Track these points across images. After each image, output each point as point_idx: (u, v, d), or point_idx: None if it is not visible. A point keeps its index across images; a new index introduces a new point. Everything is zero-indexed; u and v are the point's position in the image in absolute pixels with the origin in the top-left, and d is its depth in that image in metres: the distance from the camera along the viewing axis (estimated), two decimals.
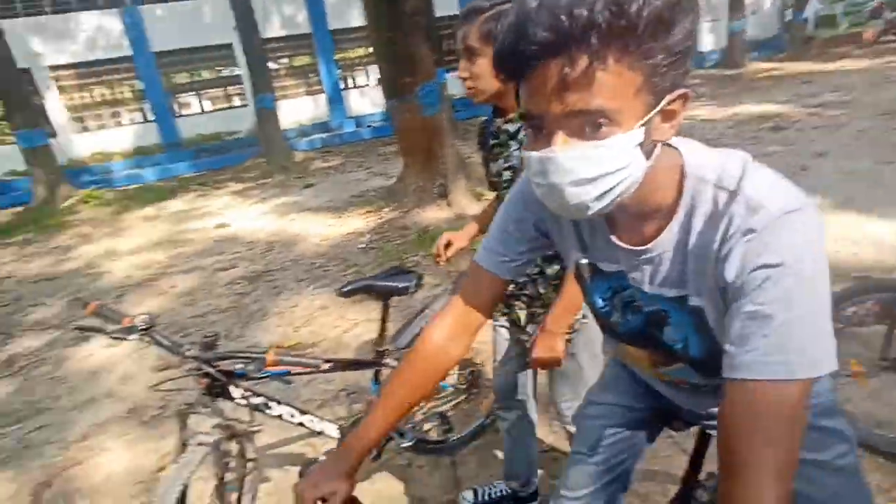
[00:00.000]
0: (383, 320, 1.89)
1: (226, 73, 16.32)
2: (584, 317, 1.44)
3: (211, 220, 6.88)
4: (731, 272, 0.66)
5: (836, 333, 0.64)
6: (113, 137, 13.74)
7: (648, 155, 0.66)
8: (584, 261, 0.87)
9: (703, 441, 1.21)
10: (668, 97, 0.64)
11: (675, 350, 0.84)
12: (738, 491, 0.63)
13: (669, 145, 0.73)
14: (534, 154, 0.66)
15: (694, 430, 1.17)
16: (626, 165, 0.63)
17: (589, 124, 0.61)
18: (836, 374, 1.97)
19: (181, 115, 14.64)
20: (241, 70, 13.61)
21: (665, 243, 0.74)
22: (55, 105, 13.12)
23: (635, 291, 0.82)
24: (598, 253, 0.84)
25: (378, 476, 2.15)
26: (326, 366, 1.65)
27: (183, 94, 15.76)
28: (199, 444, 1.49)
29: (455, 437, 2.15)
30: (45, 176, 9.33)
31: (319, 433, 1.79)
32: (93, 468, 2.45)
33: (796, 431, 0.63)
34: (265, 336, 3.53)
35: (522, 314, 1.54)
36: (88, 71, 13.35)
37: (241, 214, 7.05)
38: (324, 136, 13.71)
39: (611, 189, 0.65)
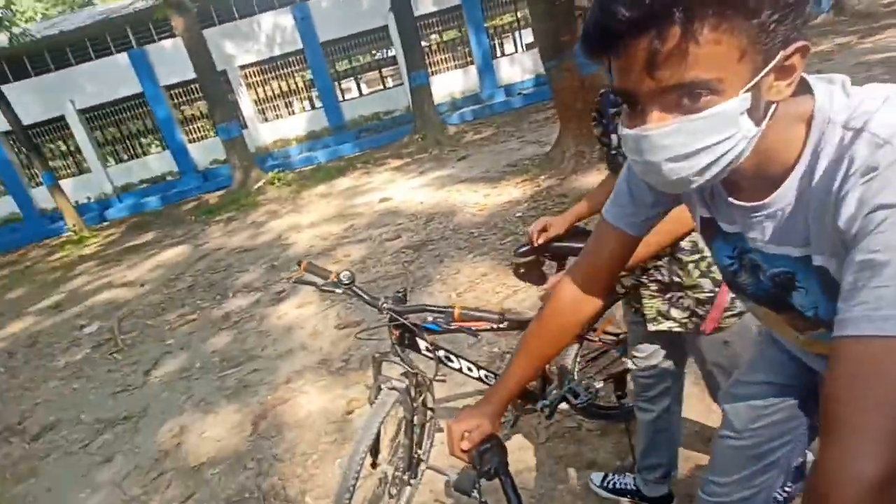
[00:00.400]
0: None
1: (379, 55, 17.29)
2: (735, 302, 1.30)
3: (375, 195, 7.41)
4: (845, 217, 0.57)
5: None
6: (289, 125, 15.42)
7: (759, 120, 0.59)
8: (707, 215, 0.81)
9: None
10: (782, 54, 0.56)
11: (808, 316, 0.75)
12: (835, 456, 0.53)
13: (807, 89, 0.64)
14: (629, 132, 0.62)
15: None
16: (730, 136, 0.58)
17: (686, 97, 0.56)
18: None
19: (344, 100, 15.88)
20: (396, 50, 14.28)
21: (786, 196, 0.66)
22: (245, 100, 15.08)
23: (757, 253, 0.75)
24: (719, 213, 0.78)
25: (548, 434, 2.16)
26: (505, 324, 1.68)
27: (344, 80, 17.07)
28: (392, 388, 1.63)
29: (629, 404, 2.06)
30: (240, 163, 10.86)
31: (486, 383, 1.83)
32: (296, 407, 2.84)
33: None
34: (431, 300, 3.72)
35: (656, 303, 1.40)
36: (269, 66, 15.07)
37: (401, 188, 7.48)
38: (475, 107, 13.91)
39: (714, 162, 0.60)
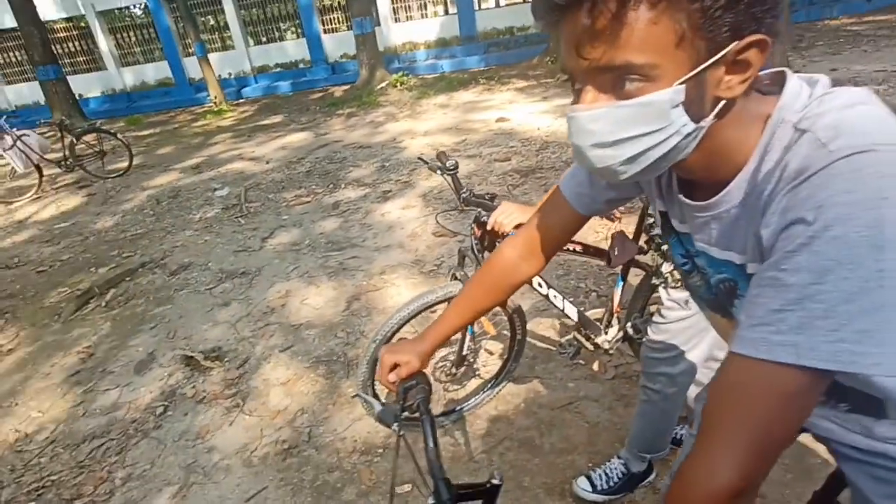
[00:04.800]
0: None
1: None
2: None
3: (493, 114, 7.32)
4: (766, 225, 0.54)
5: None
6: (420, 28, 15.25)
7: (700, 116, 0.54)
8: (663, 209, 0.75)
9: (834, 480, 0.94)
10: (734, 46, 0.51)
11: None
12: (697, 462, 0.55)
13: (781, 87, 0.57)
14: (567, 114, 0.59)
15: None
16: (659, 128, 0.53)
17: (620, 81, 0.53)
18: None
19: (479, 9, 15.32)
20: None
21: (732, 197, 0.60)
22: None
23: (704, 256, 0.70)
24: (672, 209, 0.73)
25: (616, 372, 2.21)
26: (580, 248, 1.75)
27: None
28: (457, 280, 1.77)
29: None
30: (368, 60, 11.04)
31: (561, 310, 1.90)
32: (385, 295, 3.10)
33: (786, 421, 0.52)
34: None
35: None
36: None
37: (521, 111, 7.31)
38: None
39: (642, 154, 0.56)
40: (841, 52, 7.86)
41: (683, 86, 0.52)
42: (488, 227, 1.68)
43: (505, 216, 1.62)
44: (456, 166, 1.83)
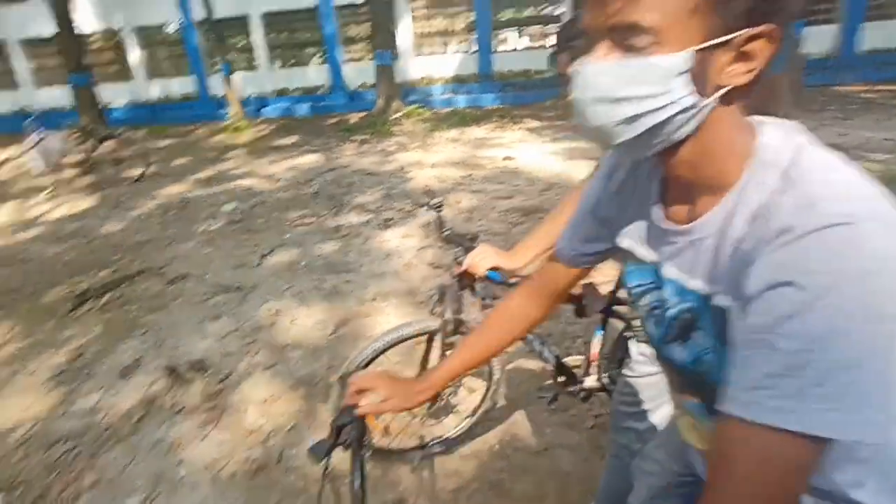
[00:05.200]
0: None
1: (547, 11, 16.71)
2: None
3: (501, 151, 7.45)
4: (751, 276, 0.55)
5: None
6: (439, 64, 15.63)
7: (700, 94, 0.55)
8: (628, 241, 0.78)
9: None
10: (744, 32, 0.53)
11: (687, 368, 0.71)
12: None
13: (756, 124, 0.61)
14: (575, 68, 0.60)
15: None
16: (659, 93, 0.55)
17: (630, 40, 0.54)
18: None
19: (497, 51, 15.72)
20: (565, 7, 13.76)
21: (710, 225, 0.62)
22: (405, 31, 15.45)
23: (672, 285, 0.69)
24: (646, 235, 0.75)
25: (595, 422, 2.20)
26: None
27: (504, 30, 16.80)
28: (435, 315, 1.78)
29: None
30: (386, 91, 11.33)
31: (539, 354, 1.90)
32: (374, 323, 3.12)
33: (784, 486, 0.53)
34: None
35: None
36: (435, 1, 15.22)
37: (529, 150, 7.43)
38: None
39: (639, 116, 0.56)
40: (852, 117, 7.92)
41: (690, 56, 0.53)
42: (463, 268, 1.70)
43: (480, 258, 1.64)
44: (441, 204, 1.86)
